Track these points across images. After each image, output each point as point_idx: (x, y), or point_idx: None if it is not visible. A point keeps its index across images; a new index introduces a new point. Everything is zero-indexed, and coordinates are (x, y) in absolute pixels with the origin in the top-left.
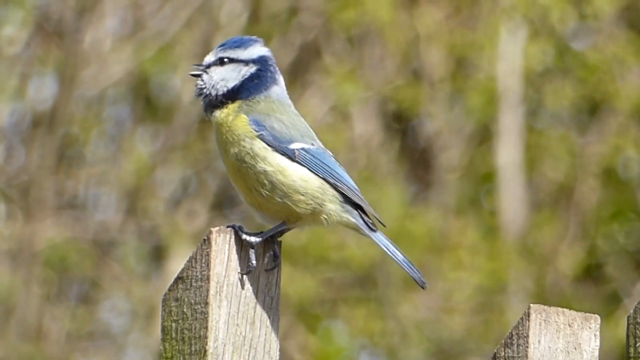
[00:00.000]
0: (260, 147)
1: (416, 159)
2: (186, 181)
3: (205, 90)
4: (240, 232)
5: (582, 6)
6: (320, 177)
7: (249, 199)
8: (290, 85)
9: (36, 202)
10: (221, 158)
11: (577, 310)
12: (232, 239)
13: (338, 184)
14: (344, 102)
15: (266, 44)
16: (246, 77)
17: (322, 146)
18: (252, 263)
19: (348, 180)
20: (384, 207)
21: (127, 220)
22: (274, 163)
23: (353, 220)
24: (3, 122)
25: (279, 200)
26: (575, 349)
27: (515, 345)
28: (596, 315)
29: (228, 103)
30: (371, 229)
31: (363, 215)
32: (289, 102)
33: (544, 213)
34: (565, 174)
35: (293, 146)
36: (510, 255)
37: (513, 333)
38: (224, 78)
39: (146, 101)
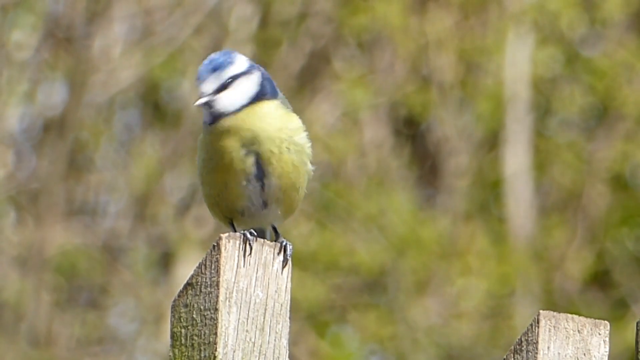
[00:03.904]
0: (309, 146)
1: (426, 165)
2: (195, 187)
3: (225, 110)
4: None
5: (591, 12)
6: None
7: (288, 199)
8: (300, 90)
9: (46, 208)
10: (261, 154)
11: (585, 316)
12: (242, 245)
13: None
14: (354, 107)
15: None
16: (260, 81)
17: None
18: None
19: None
20: (394, 213)
21: (136, 227)
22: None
23: None
24: (13, 128)
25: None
26: (585, 355)
27: (525, 352)
28: (606, 321)
29: (263, 99)
30: None
31: None
32: None
33: (552, 218)
34: (574, 179)
35: None
36: (519, 261)
37: (522, 339)
38: (240, 94)
39: (155, 107)
